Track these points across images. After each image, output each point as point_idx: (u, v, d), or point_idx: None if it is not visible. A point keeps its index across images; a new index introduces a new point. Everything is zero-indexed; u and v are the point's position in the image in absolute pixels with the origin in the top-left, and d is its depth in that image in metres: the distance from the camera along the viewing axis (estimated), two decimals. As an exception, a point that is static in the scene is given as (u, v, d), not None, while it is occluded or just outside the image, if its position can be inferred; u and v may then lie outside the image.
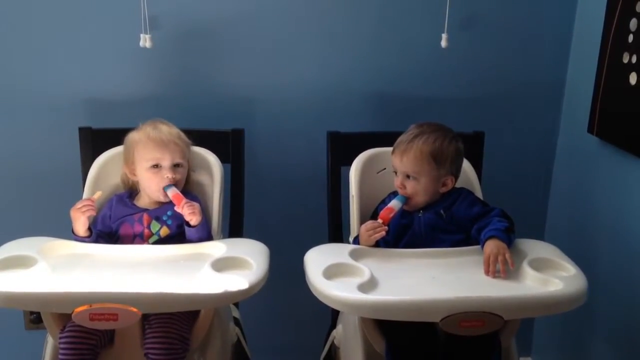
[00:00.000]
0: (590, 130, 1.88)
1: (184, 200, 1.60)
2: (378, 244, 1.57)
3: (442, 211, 1.61)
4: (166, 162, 1.64)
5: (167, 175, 1.64)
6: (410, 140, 1.60)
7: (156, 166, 1.65)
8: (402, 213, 1.62)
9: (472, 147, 1.85)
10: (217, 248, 1.55)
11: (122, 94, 1.94)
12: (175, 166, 1.66)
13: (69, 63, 1.91)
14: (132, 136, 1.69)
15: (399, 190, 1.62)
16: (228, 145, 1.87)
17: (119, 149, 1.74)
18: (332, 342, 1.76)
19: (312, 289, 1.38)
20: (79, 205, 1.58)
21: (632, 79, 1.66)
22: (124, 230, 1.65)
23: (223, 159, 1.80)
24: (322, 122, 1.95)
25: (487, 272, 1.43)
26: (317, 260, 1.47)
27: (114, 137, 1.75)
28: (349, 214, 1.75)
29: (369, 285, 1.36)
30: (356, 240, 1.62)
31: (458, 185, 1.67)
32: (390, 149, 1.65)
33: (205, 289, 1.35)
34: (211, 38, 1.94)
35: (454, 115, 1.91)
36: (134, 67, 1.93)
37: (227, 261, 1.46)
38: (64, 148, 1.91)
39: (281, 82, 1.98)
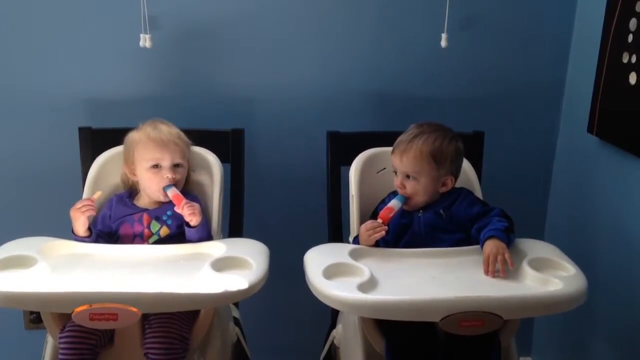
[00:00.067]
0: (590, 130, 1.88)
1: (184, 200, 1.60)
2: (378, 243, 1.57)
3: (441, 211, 1.61)
4: (166, 162, 1.64)
5: (167, 175, 1.64)
6: (410, 140, 1.60)
7: (156, 166, 1.65)
8: (402, 213, 1.62)
9: (472, 147, 1.85)
10: (217, 248, 1.55)
11: (122, 94, 1.95)
12: (175, 166, 1.66)
13: (69, 63, 1.91)
14: (132, 136, 1.69)
15: (399, 190, 1.62)
16: (228, 145, 1.87)
17: (118, 149, 1.74)
18: (332, 342, 1.76)
19: (312, 288, 1.38)
20: (78, 205, 1.58)
21: (632, 78, 1.66)
22: (123, 230, 1.65)
23: (223, 158, 1.80)
24: (322, 122, 1.95)
25: (486, 272, 1.43)
26: (317, 260, 1.47)
27: (114, 137, 1.75)
28: (348, 214, 1.75)
29: (369, 285, 1.36)
30: (356, 240, 1.62)
31: (458, 185, 1.67)
32: (390, 148, 1.65)
33: (205, 289, 1.35)
34: (211, 38, 1.94)
35: (453, 115, 1.91)
36: (133, 67, 1.93)
37: (227, 261, 1.46)
38: (63, 148, 1.91)
39: (281, 82, 1.98)
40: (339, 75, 1.99)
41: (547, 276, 1.39)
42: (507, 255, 1.43)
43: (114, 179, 1.75)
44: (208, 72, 1.96)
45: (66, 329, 1.47)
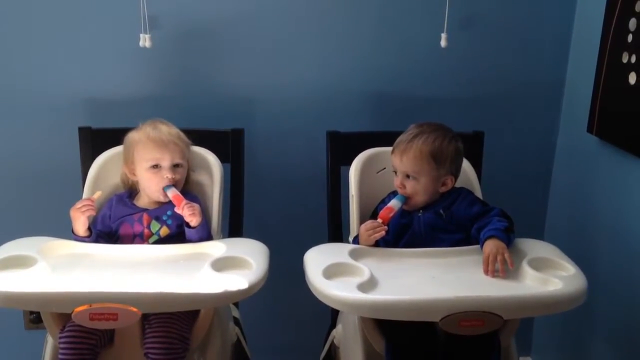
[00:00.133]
0: (589, 129, 1.88)
1: (184, 201, 1.60)
2: (378, 243, 1.57)
3: (441, 211, 1.61)
4: (166, 162, 1.64)
5: (167, 175, 1.64)
6: (410, 140, 1.60)
7: (156, 166, 1.65)
8: (402, 213, 1.62)
9: (472, 146, 1.85)
10: (217, 248, 1.55)
11: (122, 94, 1.95)
12: (175, 166, 1.66)
13: (69, 63, 1.91)
14: (132, 136, 1.69)
15: (399, 190, 1.62)
16: (228, 145, 1.87)
17: (118, 149, 1.74)
18: (332, 341, 1.76)
19: (311, 288, 1.38)
20: (78, 205, 1.58)
21: (632, 78, 1.66)
22: (123, 230, 1.65)
23: (223, 158, 1.80)
24: (322, 122, 1.95)
25: (486, 272, 1.43)
26: (316, 260, 1.47)
27: (114, 137, 1.75)
28: (348, 214, 1.75)
29: (369, 284, 1.36)
30: (356, 240, 1.62)
31: (458, 185, 1.67)
32: (389, 148, 1.65)
33: (205, 289, 1.35)
34: (211, 38, 1.94)
35: (453, 115, 1.91)
36: (133, 67, 1.93)
37: (227, 261, 1.46)
38: (63, 148, 1.91)
39: (281, 82, 1.98)
40: (339, 75, 1.99)
41: (547, 276, 1.40)
42: (507, 255, 1.43)
43: (114, 179, 1.75)
44: (208, 72, 1.96)
45: (66, 329, 1.47)
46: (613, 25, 1.74)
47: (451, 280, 1.41)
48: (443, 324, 1.29)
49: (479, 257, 1.47)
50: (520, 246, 1.53)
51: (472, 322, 1.29)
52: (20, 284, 1.35)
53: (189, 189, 1.74)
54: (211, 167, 1.76)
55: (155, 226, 1.65)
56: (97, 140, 1.83)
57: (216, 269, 1.41)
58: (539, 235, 2.10)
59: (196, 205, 1.62)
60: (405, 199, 1.61)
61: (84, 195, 1.70)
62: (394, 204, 1.60)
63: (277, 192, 2.08)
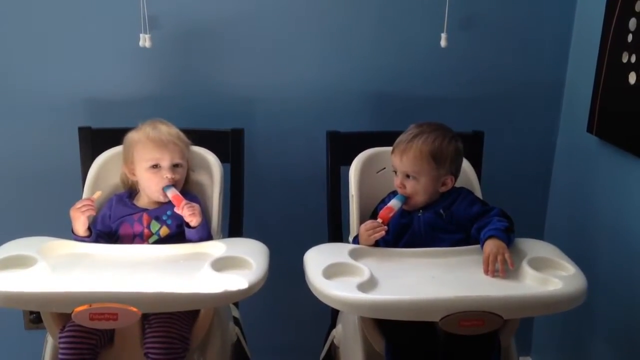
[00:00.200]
0: (589, 129, 1.88)
1: (184, 201, 1.60)
2: (378, 243, 1.57)
3: (441, 211, 1.61)
4: (165, 163, 1.64)
5: (167, 175, 1.64)
6: (409, 140, 1.60)
7: (155, 166, 1.65)
8: (402, 212, 1.62)
9: (472, 146, 1.85)
10: (217, 248, 1.55)
11: (122, 94, 1.95)
12: (175, 166, 1.66)
13: (69, 63, 1.91)
14: (132, 136, 1.69)
15: (399, 190, 1.62)
16: (228, 145, 1.87)
17: (118, 149, 1.74)
18: (332, 341, 1.76)
19: (311, 288, 1.38)
20: (78, 205, 1.58)
21: (632, 78, 1.66)
22: (123, 230, 1.65)
23: (223, 158, 1.80)
24: (322, 122, 1.95)
25: (486, 272, 1.43)
26: (316, 260, 1.47)
27: (114, 136, 1.75)
28: (348, 214, 1.75)
29: (369, 284, 1.36)
30: (356, 240, 1.62)
31: (458, 184, 1.67)
32: (389, 148, 1.65)
33: (205, 289, 1.35)
34: (211, 38, 1.94)
35: (453, 115, 1.91)
36: (133, 67, 1.93)
37: (227, 261, 1.46)
38: (63, 148, 1.91)
39: (281, 82, 1.98)
40: (339, 75, 1.99)
41: (547, 276, 1.40)
42: (507, 255, 1.43)
43: (114, 179, 1.75)
44: (208, 72, 1.96)
45: (66, 329, 1.47)
46: (613, 25, 1.74)
47: (451, 280, 1.41)
48: (443, 323, 1.29)
49: (479, 257, 1.47)
50: (520, 246, 1.53)
51: (472, 322, 1.29)
52: (20, 284, 1.35)
53: (189, 189, 1.74)
54: (211, 167, 1.76)
55: (155, 226, 1.65)
56: (97, 140, 1.83)
57: (216, 269, 1.41)
58: (539, 235, 2.10)
59: (196, 206, 1.62)
60: (405, 199, 1.61)
61: (84, 195, 1.70)
62: (394, 203, 1.60)
63: (277, 192, 2.08)
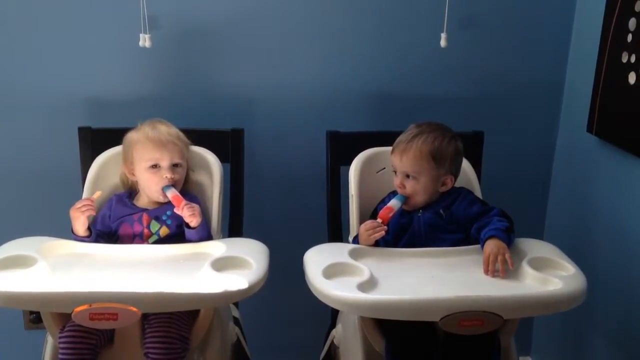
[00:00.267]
0: (589, 129, 1.88)
1: (184, 202, 1.60)
2: (378, 243, 1.57)
3: (441, 211, 1.61)
4: (165, 162, 1.64)
5: (166, 175, 1.64)
6: (409, 139, 1.60)
7: (155, 166, 1.65)
8: (402, 212, 1.62)
9: (472, 146, 1.85)
10: (217, 248, 1.55)
11: (122, 94, 1.95)
12: (174, 166, 1.66)
13: (69, 63, 1.91)
14: (131, 136, 1.69)
15: (399, 190, 1.62)
16: (227, 144, 1.87)
17: (118, 149, 1.74)
18: (332, 341, 1.76)
19: (311, 288, 1.38)
20: (78, 205, 1.58)
21: (631, 78, 1.66)
22: (123, 230, 1.65)
23: (222, 158, 1.80)
24: (322, 122, 1.95)
25: (486, 272, 1.43)
26: (316, 260, 1.47)
27: (114, 136, 1.75)
28: (348, 214, 1.75)
29: (369, 284, 1.36)
30: (356, 240, 1.62)
31: (457, 184, 1.67)
32: (389, 148, 1.65)
33: (205, 289, 1.35)
34: (211, 38, 1.94)
35: (453, 115, 1.91)
36: (133, 66, 1.93)
37: (227, 261, 1.46)
38: (63, 148, 1.91)
39: (281, 82, 1.98)
40: (338, 75, 1.99)
41: (547, 276, 1.40)
42: (507, 255, 1.43)
43: (114, 179, 1.75)
44: (208, 71, 1.96)
45: (66, 329, 1.47)
46: (613, 25, 1.75)
47: (451, 280, 1.41)
48: (443, 323, 1.29)
49: (478, 256, 1.47)
50: (520, 246, 1.53)
51: (472, 321, 1.29)
52: (20, 284, 1.35)
53: (189, 189, 1.74)
54: (211, 167, 1.76)
55: (155, 226, 1.65)
56: (97, 140, 1.83)
57: (216, 269, 1.41)
58: (538, 235, 2.10)
59: (196, 206, 1.62)
60: (405, 199, 1.61)
61: (84, 195, 1.70)
62: (394, 203, 1.60)
63: (277, 192, 2.08)
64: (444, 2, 1.89)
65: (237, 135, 1.88)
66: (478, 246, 1.51)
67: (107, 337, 1.50)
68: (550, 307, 1.37)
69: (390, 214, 1.58)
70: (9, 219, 1.98)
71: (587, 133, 1.88)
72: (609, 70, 1.77)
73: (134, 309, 1.29)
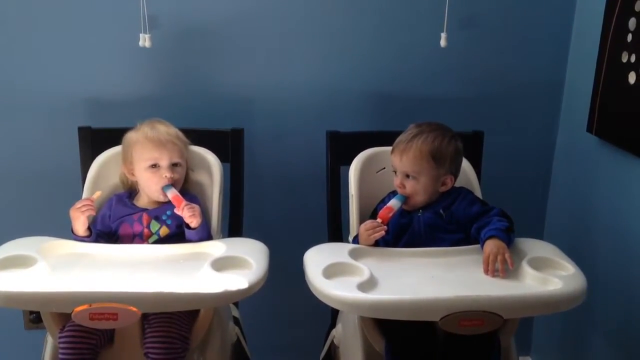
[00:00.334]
0: (589, 129, 1.88)
1: (184, 202, 1.60)
2: (377, 243, 1.57)
3: (441, 210, 1.61)
4: (164, 162, 1.65)
5: (166, 174, 1.64)
6: (409, 139, 1.60)
7: (154, 166, 1.65)
8: (402, 212, 1.62)
9: (472, 146, 1.85)
10: (217, 247, 1.55)
11: (122, 94, 1.95)
12: (174, 165, 1.66)
13: (69, 62, 1.91)
14: (130, 136, 1.69)
15: (398, 190, 1.62)
16: (227, 144, 1.87)
17: (118, 149, 1.74)
18: (332, 341, 1.76)
19: (311, 288, 1.38)
20: (78, 204, 1.59)
21: (631, 78, 1.66)
22: (123, 230, 1.65)
23: (222, 158, 1.80)
24: (322, 122, 1.95)
25: (486, 272, 1.43)
26: (316, 260, 1.47)
27: (114, 136, 1.75)
28: (348, 214, 1.75)
29: (369, 284, 1.36)
30: (356, 240, 1.62)
31: (457, 184, 1.67)
32: (389, 148, 1.65)
33: (205, 289, 1.35)
34: (211, 38, 1.94)
35: (453, 115, 1.91)
36: (133, 66, 1.93)
37: (227, 261, 1.46)
38: (63, 148, 1.91)
39: (281, 81, 1.98)
40: (338, 75, 1.99)
41: (547, 275, 1.40)
42: (507, 255, 1.43)
43: (114, 179, 1.75)
44: (208, 71, 1.96)
45: (66, 329, 1.47)
46: (613, 25, 1.75)
47: (451, 280, 1.41)
48: (443, 323, 1.29)
49: (478, 256, 1.47)
50: (520, 246, 1.53)
51: (471, 321, 1.29)
52: (20, 283, 1.35)
53: (188, 188, 1.74)
54: (211, 167, 1.76)
55: (154, 226, 1.65)
56: (96, 140, 1.83)
57: (216, 269, 1.41)
58: (538, 234, 2.10)
59: (196, 207, 1.62)
60: (405, 199, 1.61)
61: (84, 195, 1.70)
62: (394, 203, 1.60)
63: (277, 192, 2.08)
64: (444, 2, 1.89)
65: (237, 135, 1.88)
66: (478, 246, 1.51)
67: (107, 337, 1.50)
68: (550, 307, 1.37)
69: (390, 214, 1.58)
70: (9, 219, 1.98)
71: (587, 133, 1.88)
72: (609, 70, 1.77)
73: (134, 309, 1.29)
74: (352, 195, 1.73)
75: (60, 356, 1.45)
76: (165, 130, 1.68)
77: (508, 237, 1.49)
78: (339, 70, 1.99)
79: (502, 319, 1.30)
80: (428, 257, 1.52)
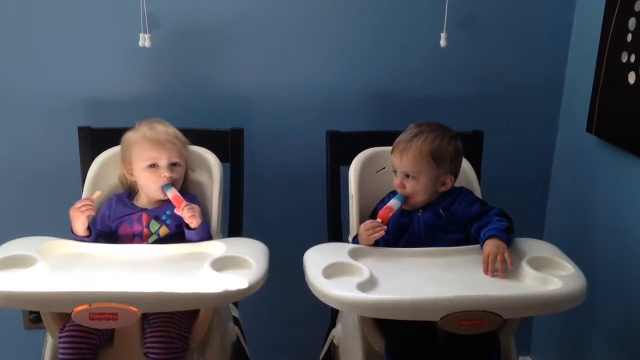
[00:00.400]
0: (589, 129, 1.88)
1: (184, 202, 1.60)
2: (377, 243, 1.57)
3: (441, 210, 1.61)
4: (163, 162, 1.65)
5: (165, 174, 1.64)
6: (409, 139, 1.60)
7: (153, 166, 1.65)
8: (402, 212, 1.62)
9: (471, 146, 1.85)
10: (217, 247, 1.55)
11: (122, 94, 1.95)
12: (173, 165, 1.66)
13: (68, 62, 1.91)
14: (129, 136, 1.69)
15: (398, 190, 1.62)
16: (227, 144, 1.87)
17: (118, 149, 1.74)
18: (332, 341, 1.76)
19: (311, 288, 1.38)
20: (78, 204, 1.59)
21: (631, 78, 1.66)
22: (123, 230, 1.65)
23: (222, 158, 1.80)
24: (322, 122, 1.95)
25: (486, 272, 1.43)
26: (316, 260, 1.47)
27: (114, 136, 1.75)
28: (348, 214, 1.75)
29: (369, 284, 1.36)
30: (355, 240, 1.62)
31: (457, 184, 1.67)
32: (389, 148, 1.65)
33: (205, 289, 1.35)
34: (210, 37, 1.94)
35: (453, 115, 1.91)
36: (133, 66, 1.93)
37: (227, 260, 1.46)
38: (63, 148, 1.91)
39: (281, 81, 1.98)
40: (338, 75, 1.99)
41: (547, 275, 1.40)
42: (507, 255, 1.43)
43: (114, 179, 1.75)
44: (207, 71, 1.96)
45: (66, 329, 1.47)
46: (612, 25, 1.75)
47: (451, 280, 1.41)
48: (443, 323, 1.29)
49: (478, 256, 1.47)
50: (519, 246, 1.53)
51: (471, 321, 1.29)
52: (20, 283, 1.35)
53: (188, 189, 1.74)
54: (211, 167, 1.75)
55: (154, 226, 1.65)
56: (96, 139, 1.83)
57: (216, 269, 1.41)
58: (538, 234, 2.10)
59: (196, 207, 1.62)
60: (405, 199, 1.61)
61: (84, 195, 1.70)
62: (394, 203, 1.60)
63: (277, 192, 2.08)
64: (444, 2, 1.89)
65: (237, 135, 1.88)
66: (478, 246, 1.51)
67: (107, 337, 1.50)
68: (550, 307, 1.37)
69: (390, 214, 1.58)
70: (9, 219, 1.98)
71: (586, 133, 1.88)
72: (608, 70, 1.77)
73: (134, 309, 1.29)
74: (352, 195, 1.73)
75: (60, 356, 1.45)
76: (164, 130, 1.68)
77: (508, 237, 1.49)
78: (339, 70, 1.99)
79: (502, 319, 1.30)
80: (428, 257, 1.52)
